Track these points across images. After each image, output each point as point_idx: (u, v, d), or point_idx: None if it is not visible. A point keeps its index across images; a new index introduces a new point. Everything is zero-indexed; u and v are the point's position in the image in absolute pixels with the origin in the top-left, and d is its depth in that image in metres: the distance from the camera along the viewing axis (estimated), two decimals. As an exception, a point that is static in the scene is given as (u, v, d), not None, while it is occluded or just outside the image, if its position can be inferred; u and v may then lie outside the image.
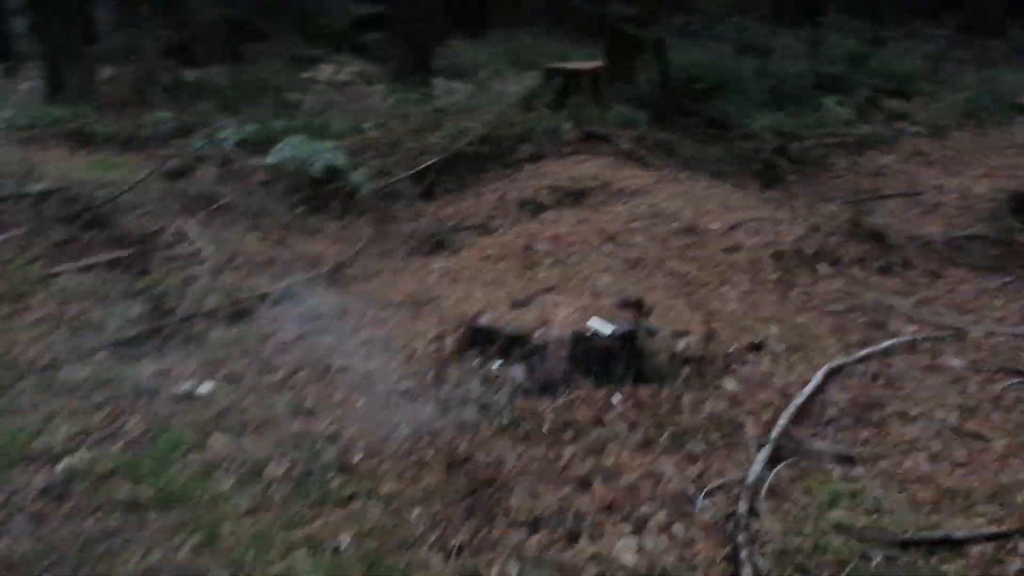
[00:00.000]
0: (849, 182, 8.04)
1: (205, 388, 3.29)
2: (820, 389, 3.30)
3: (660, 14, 8.55)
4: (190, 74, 13.64)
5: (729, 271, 4.86)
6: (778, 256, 5.00)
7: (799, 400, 3.15)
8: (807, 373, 3.41)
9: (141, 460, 2.81)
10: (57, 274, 4.65)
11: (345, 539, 2.42)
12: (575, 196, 6.03)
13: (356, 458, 2.82)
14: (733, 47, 12.10)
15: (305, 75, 10.53)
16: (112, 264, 4.82)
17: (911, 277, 5.09)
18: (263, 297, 4.21)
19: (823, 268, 5.01)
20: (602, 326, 3.06)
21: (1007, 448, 3.05)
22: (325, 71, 10.03)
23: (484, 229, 5.78)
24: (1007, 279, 5.07)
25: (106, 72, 13.40)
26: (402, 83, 9.12)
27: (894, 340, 3.90)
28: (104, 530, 2.46)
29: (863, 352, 3.69)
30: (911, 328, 4.15)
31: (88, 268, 4.74)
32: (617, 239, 5.37)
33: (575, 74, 7.21)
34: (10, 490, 2.63)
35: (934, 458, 2.96)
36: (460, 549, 2.35)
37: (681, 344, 3.32)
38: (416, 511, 2.52)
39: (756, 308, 4.23)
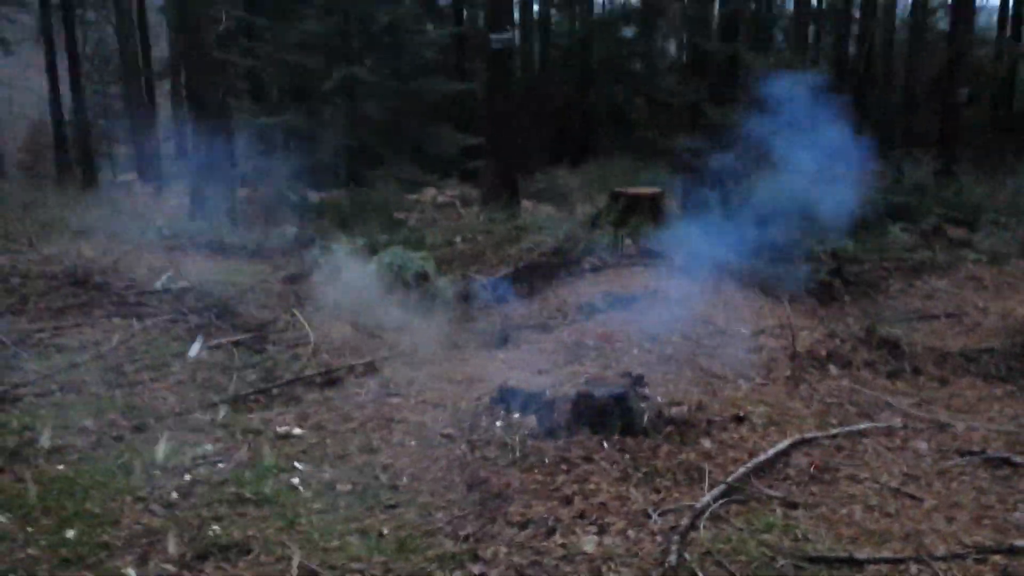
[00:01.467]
0: (901, 303, 8.59)
1: (297, 431, 4.27)
2: (785, 453, 4.01)
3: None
4: (314, 195, 15.40)
5: (747, 367, 5.59)
6: (793, 357, 5.70)
7: (761, 458, 3.88)
8: (778, 441, 4.12)
9: (245, 475, 3.78)
10: (193, 352, 5.81)
11: (386, 530, 3.30)
12: (625, 301, 6.90)
13: (403, 481, 3.71)
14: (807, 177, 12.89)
15: (412, 197, 11.92)
16: (236, 343, 5.97)
17: (919, 382, 5.69)
18: (351, 369, 5.23)
19: (833, 369, 5.68)
20: (592, 386, 3.92)
21: (934, 507, 3.67)
22: (429, 194, 11.38)
23: (544, 328, 6.69)
24: (1012, 388, 5.60)
25: (242, 192, 15.29)
26: (493, 204, 10.33)
27: (871, 424, 4.56)
28: (214, 515, 3.41)
29: (836, 431, 4.38)
30: (897, 420, 4.77)
31: (217, 347, 5.89)
32: (657, 338, 6.17)
33: (636, 197, 8.21)
34: (153, 486, 3.63)
35: (867, 509, 3.62)
36: (467, 538, 3.20)
37: (672, 410, 4.11)
38: (440, 514, 3.39)
39: (758, 395, 4.95)
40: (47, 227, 12.73)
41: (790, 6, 25.39)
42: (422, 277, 7.66)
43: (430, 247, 8.79)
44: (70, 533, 3.20)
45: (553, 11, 26.18)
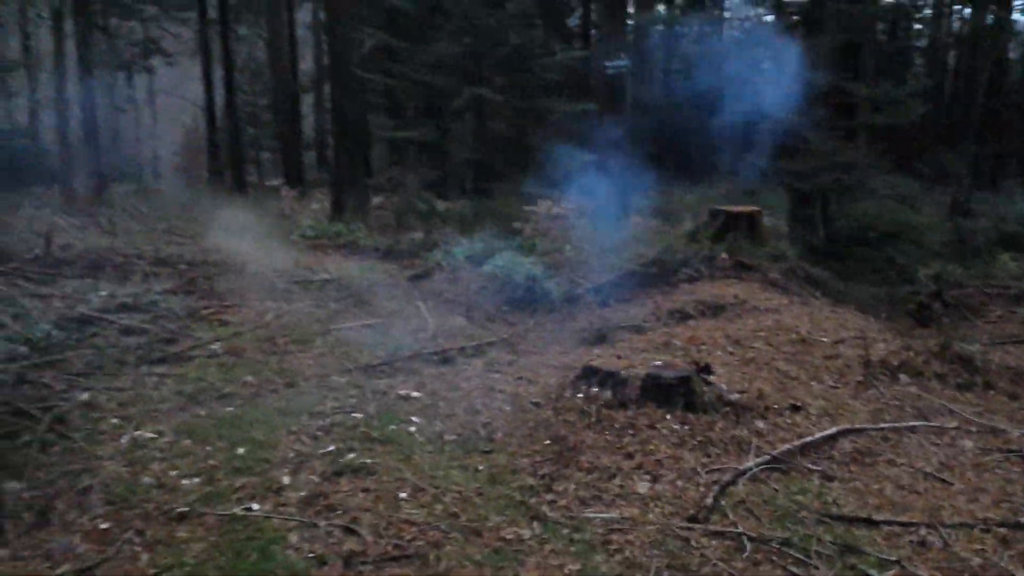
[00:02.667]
0: (997, 328, 8.81)
1: (415, 394, 5.13)
2: (832, 438, 4.57)
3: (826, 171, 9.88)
4: (441, 204, 16.49)
5: (821, 372, 6.10)
6: (867, 364, 6.18)
7: (808, 439, 4.46)
8: (827, 429, 4.69)
9: (373, 422, 4.65)
10: (332, 330, 6.81)
11: (481, 467, 4.09)
12: (715, 310, 7.49)
13: (498, 435, 4.50)
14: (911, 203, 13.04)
15: (529, 208, 12.77)
16: (367, 326, 6.93)
17: (988, 396, 6.05)
18: (461, 350, 6.08)
19: (904, 378, 6.12)
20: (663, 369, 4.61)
21: (961, 490, 4.17)
22: (544, 205, 12.19)
23: (638, 329, 7.36)
24: (1085, 409, 5.90)
25: (377, 199, 16.56)
26: (603, 217, 11.04)
27: (923, 423, 5.04)
28: (348, 447, 4.28)
29: (886, 425, 4.89)
30: (952, 423, 5.22)
31: (351, 329, 6.86)
32: (740, 343, 6.75)
33: (735, 215, 8.78)
34: (301, 425, 4.54)
35: (897, 487, 4.16)
36: (544, 476, 3.95)
37: (733, 395, 4.75)
38: (524, 459, 4.15)
39: (821, 393, 5.49)
40: (204, 225, 14.28)
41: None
42: (531, 279, 8.46)
43: (541, 253, 9.60)
44: (240, 451, 4.15)
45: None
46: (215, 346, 6.15)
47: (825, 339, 6.81)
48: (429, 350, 6.16)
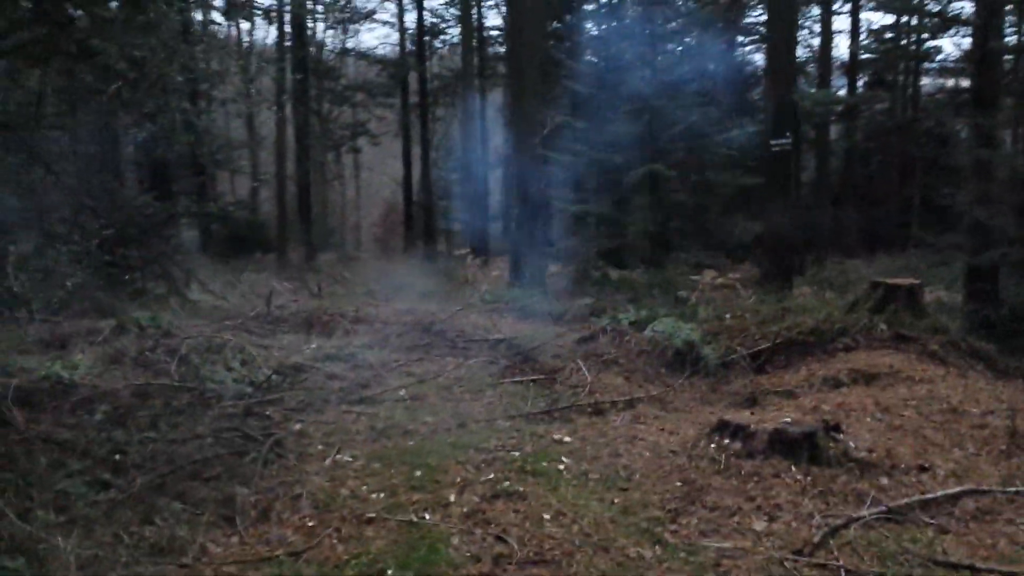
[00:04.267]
0: None
1: (567, 439, 5.83)
2: (955, 497, 4.84)
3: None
4: (615, 272, 17.26)
5: (964, 440, 6.25)
6: (1013, 434, 6.26)
7: (929, 496, 4.77)
8: (953, 488, 4.95)
9: (528, 459, 5.39)
10: (501, 383, 7.66)
11: (617, 500, 4.73)
12: (869, 378, 7.72)
13: (636, 476, 5.11)
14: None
15: (694, 278, 13.30)
16: (533, 381, 7.73)
17: None
18: (614, 404, 6.74)
19: (1055, 448, 6.15)
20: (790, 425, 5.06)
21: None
22: (709, 275, 12.68)
23: (790, 394, 7.71)
24: None
25: (555, 267, 17.56)
26: (767, 287, 11.41)
27: (1060, 491, 5.16)
28: (505, 477, 5.03)
29: (1015, 488, 5.07)
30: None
31: (518, 382, 7.68)
32: (889, 410, 6.97)
33: (894, 287, 8.94)
34: (466, 458, 5.36)
35: (1012, 543, 4.39)
36: (670, 510, 4.53)
37: (860, 453, 5.12)
38: (655, 496, 4.75)
39: (958, 460, 5.69)
40: (397, 289, 15.76)
41: None
42: (688, 344, 8.98)
43: (701, 320, 10.09)
44: (417, 474, 5.01)
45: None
46: (402, 392, 7.15)
47: (975, 410, 6.90)
48: (585, 403, 6.85)
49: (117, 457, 5.08)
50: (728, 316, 10.14)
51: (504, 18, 29.56)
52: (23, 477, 4.53)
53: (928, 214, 22.65)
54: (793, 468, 4.91)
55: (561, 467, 5.27)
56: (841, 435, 5.28)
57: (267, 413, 6.15)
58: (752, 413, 5.62)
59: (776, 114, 12.30)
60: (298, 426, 5.90)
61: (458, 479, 4.96)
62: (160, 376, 7.31)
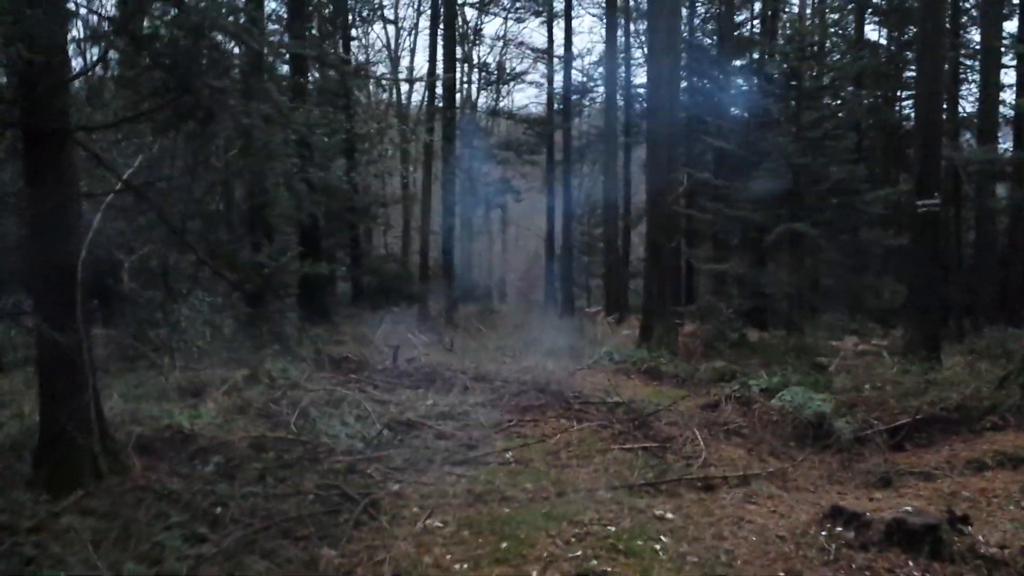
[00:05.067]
0: None
1: (670, 515, 5.55)
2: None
3: None
4: (753, 334, 16.63)
5: None
6: None
7: (1071, 607, 4.20)
8: (1104, 600, 4.35)
9: (623, 535, 5.16)
10: (611, 449, 7.43)
11: (711, 588, 4.42)
12: (1016, 463, 6.99)
13: (738, 562, 4.78)
14: None
15: (835, 343, 12.59)
16: (644, 449, 7.45)
17: None
18: (725, 479, 6.38)
19: None
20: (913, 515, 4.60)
21: None
22: (850, 342, 11.97)
23: (927, 476, 7.08)
24: None
25: (691, 327, 17.10)
26: (912, 356, 10.64)
27: None
28: (596, 555, 4.82)
29: None
30: None
31: (628, 449, 7.43)
32: (1039, 499, 6.29)
33: (1053, 362, 8.12)
34: (558, 531, 5.18)
35: None
36: (767, 604, 4.19)
37: (990, 549, 4.59)
38: (754, 586, 4.41)
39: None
40: (528, 345, 15.77)
41: None
42: (819, 416, 8.45)
43: (837, 391, 9.50)
44: (503, 545, 4.88)
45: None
46: (508, 455, 7.05)
47: None
48: (695, 476, 6.52)
49: (218, 510, 5.22)
50: (867, 387, 9.51)
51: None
52: (126, 527, 4.72)
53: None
54: (911, 563, 4.45)
55: (657, 547, 5.00)
56: (970, 527, 4.76)
57: (369, 471, 6.18)
58: (874, 499, 5.14)
59: (923, 172, 11.59)
60: (397, 486, 5.90)
61: (544, 554, 4.79)
62: (279, 428, 7.54)
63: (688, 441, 7.65)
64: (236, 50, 5.53)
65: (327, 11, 23.79)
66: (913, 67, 25.07)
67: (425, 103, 27.74)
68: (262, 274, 5.74)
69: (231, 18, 5.14)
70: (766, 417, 9.02)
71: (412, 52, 33.65)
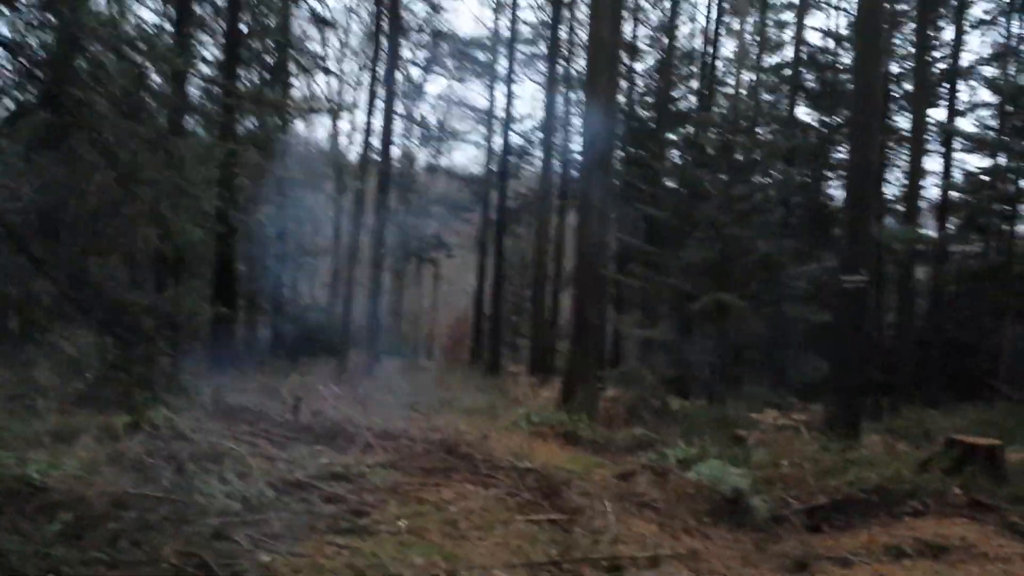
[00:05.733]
0: None
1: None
2: None
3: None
4: (675, 403, 16.34)
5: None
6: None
7: None
8: None
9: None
10: (515, 520, 6.89)
11: None
12: (937, 551, 6.68)
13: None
14: None
15: (755, 416, 12.33)
16: (551, 521, 6.94)
17: None
18: (633, 559, 5.90)
19: None
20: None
21: None
22: (770, 415, 11.72)
23: (844, 562, 6.71)
24: None
25: (612, 392, 16.73)
26: (831, 434, 10.40)
27: None
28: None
29: None
30: None
31: (535, 522, 6.90)
32: (957, 593, 5.96)
33: (973, 447, 7.92)
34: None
35: None
36: None
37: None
38: None
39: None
40: (443, 403, 15.19)
41: None
42: (736, 492, 8.07)
43: (755, 465, 9.15)
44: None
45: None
46: (401, 523, 6.44)
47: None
48: (600, 556, 6.02)
49: (48, 578, 4.53)
50: (785, 462, 9.18)
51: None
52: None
53: (1020, 366, 21.09)
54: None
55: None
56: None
57: (238, 538, 5.50)
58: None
59: (850, 249, 11.55)
60: (267, 558, 5.24)
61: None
62: (149, 483, 6.81)
63: (598, 514, 7.16)
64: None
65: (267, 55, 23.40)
66: (842, 148, 25.75)
67: (361, 152, 27.27)
68: (131, 312, 5.14)
69: (109, 29, 4.63)
70: (681, 490, 8.61)
71: (353, 107, 33.39)
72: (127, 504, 6.07)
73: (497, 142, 32.09)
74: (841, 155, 26.51)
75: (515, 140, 32.53)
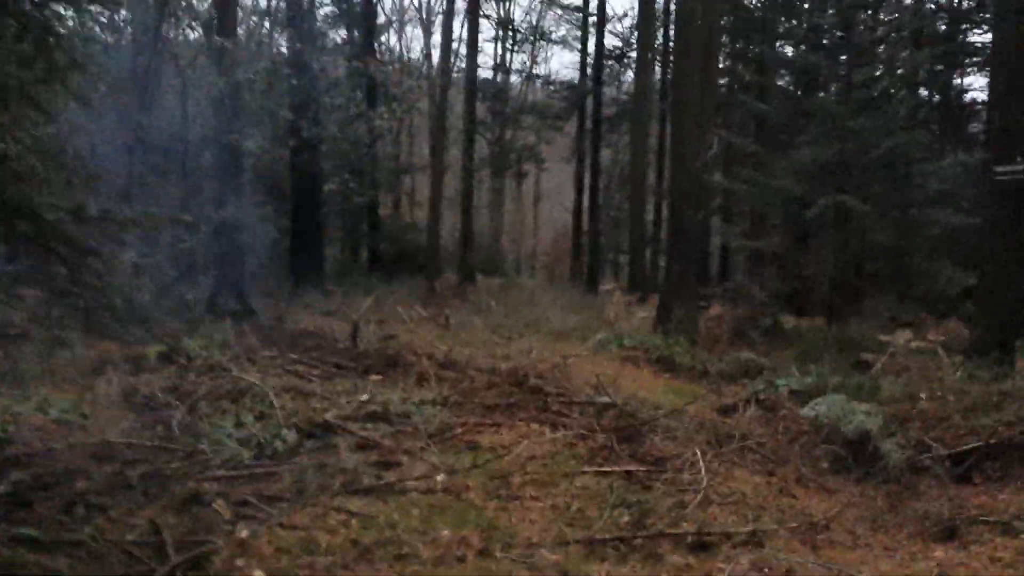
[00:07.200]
0: None
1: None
2: None
3: None
4: (789, 322, 14.62)
5: None
6: None
7: None
8: None
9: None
10: (584, 472, 5.59)
11: None
12: None
13: None
14: None
15: (885, 338, 10.58)
16: (627, 475, 5.61)
17: None
18: (728, 537, 4.51)
19: None
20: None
21: None
22: (903, 336, 9.96)
23: (1006, 528, 5.17)
24: None
25: (716, 310, 15.11)
26: (979, 360, 8.62)
27: None
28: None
29: None
30: None
31: (605, 474, 5.59)
32: None
33: None
34: None
35: None
36: None
37: None
38: None
39: None
40: (532, 325, 13.93)
41: None
42: (864, 434, 6.56)
43: (885, 400, 7.56)
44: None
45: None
46: (439, 478, 5.24)
47: None
48: (686, 527, 4.64)
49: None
50: (923, 396, 7.54)
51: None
52: None
53: None
54: None
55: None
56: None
57: (216, 506, 4.38)
58: (934, 558, 3.24)
59: (1003, 132, 9.47)
60: (246, 532, 4.10)
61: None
62: (153, 427, 5.83)
63: (687, 464, 5.78)
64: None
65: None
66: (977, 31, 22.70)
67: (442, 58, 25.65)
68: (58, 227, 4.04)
69: None
70: (794, 429, 7.15)
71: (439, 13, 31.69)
72: (108, 457, 5.08)
73: (593, 45, 29.91)
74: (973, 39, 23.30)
75: (613, 41, 30.36)
